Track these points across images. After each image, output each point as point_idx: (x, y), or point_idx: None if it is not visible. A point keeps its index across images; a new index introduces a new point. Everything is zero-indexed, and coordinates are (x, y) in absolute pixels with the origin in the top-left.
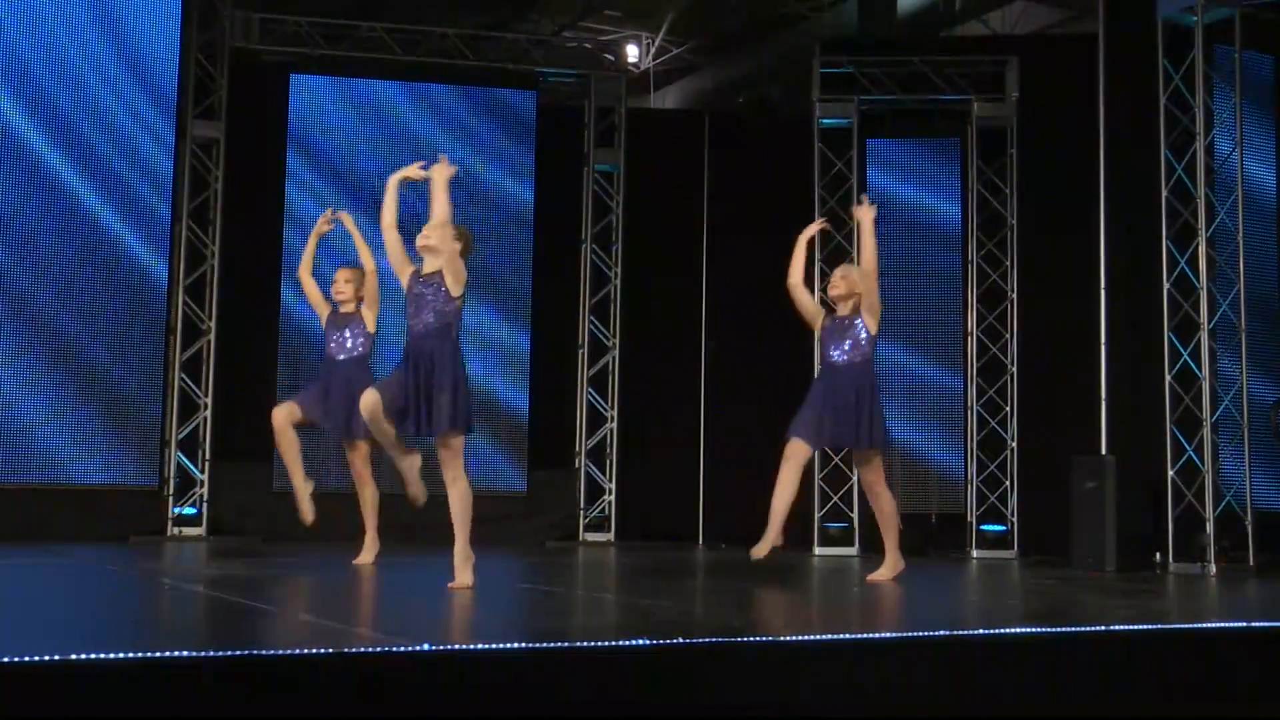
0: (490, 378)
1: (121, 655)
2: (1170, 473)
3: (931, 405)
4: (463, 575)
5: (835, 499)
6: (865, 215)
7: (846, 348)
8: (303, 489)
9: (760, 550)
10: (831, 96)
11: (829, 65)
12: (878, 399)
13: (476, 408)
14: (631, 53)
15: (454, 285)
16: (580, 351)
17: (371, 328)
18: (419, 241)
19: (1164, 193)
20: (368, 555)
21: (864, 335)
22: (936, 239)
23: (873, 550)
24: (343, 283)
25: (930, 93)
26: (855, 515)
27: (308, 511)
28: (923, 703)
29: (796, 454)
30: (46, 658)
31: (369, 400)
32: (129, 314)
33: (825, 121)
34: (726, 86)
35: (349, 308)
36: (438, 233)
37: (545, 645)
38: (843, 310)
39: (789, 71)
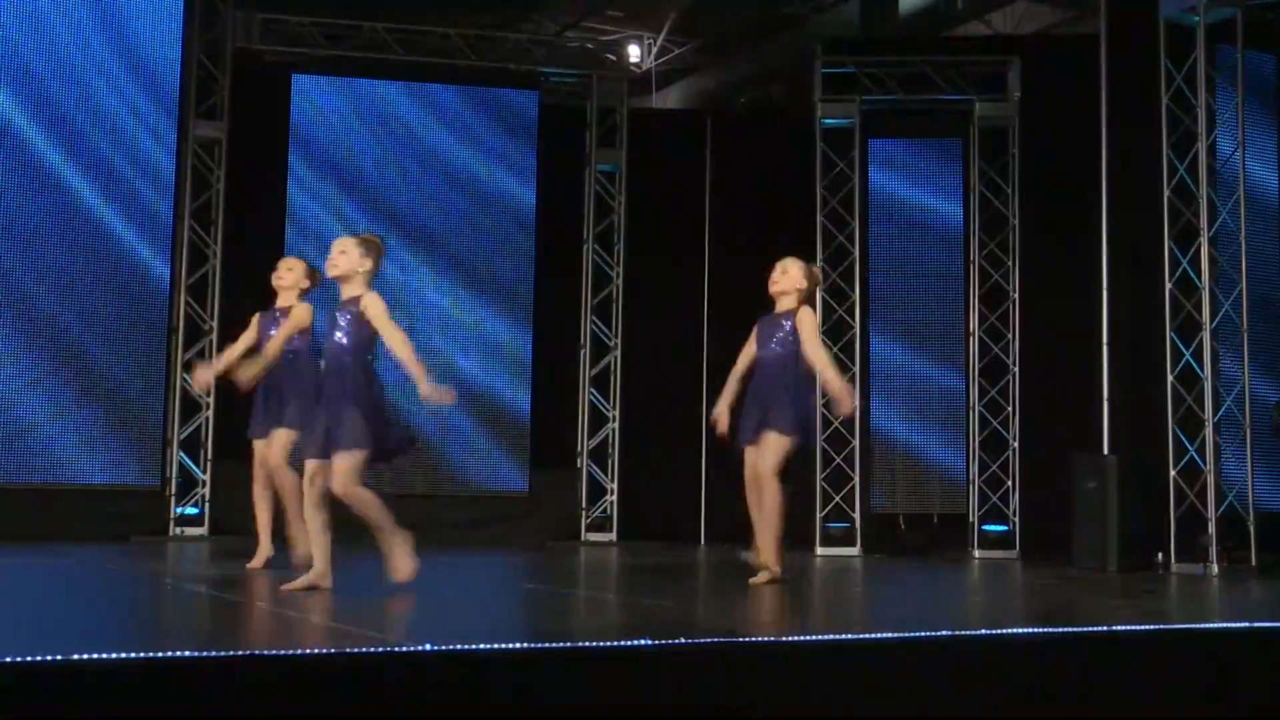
0: (492, 377)
1: (123, 655)
2: (1172, 473)
3: (933, 405)
4: (403, 563)
5: (837, 499)
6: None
7: (772, 344)
8: (264, 552)
9: (758, 581)
10: (833, 97)
11: (831, 65)
12: (801, 390)
13: (477, 409)
14: (633, 53)
15: (369, 306)
16: (582, 351)
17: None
18: (328, 271)
19: (1166, 193)
20: (260, 559)
21: (792, 335)
22: (938, 239)
23: (876, 550)
24: (284, 270)
25: (932, 93)
26: (857, 515)
27: (257, 564)
28: (924, 703)
29: (752, 465)
30: (48, 658)
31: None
32: (131, 314)
33: (827, 121)
34: (728, 87)
35: (287, 299)
36: (344, 258)
37: (547, 645)
38: (780, 306)
39: (791, 72)
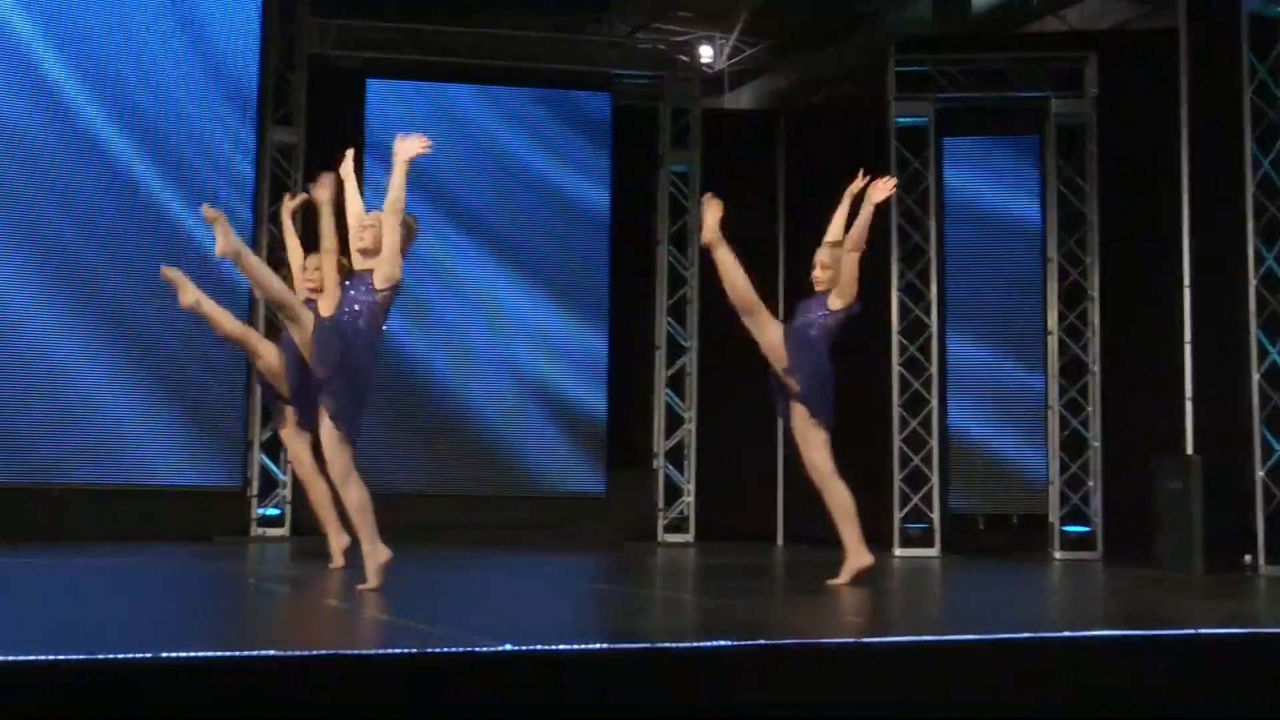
0: (567, 379)
1: (207, 654)
2: (1259, 473)
3: (1012, 405)
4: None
5: (915, 500)
6: (879, 192)
7: (802, 320)
8: (339, 545)
9: (839, 581)
10: (907, 95)
11: (904, 63)
12: (823, 365)
13: (553, 410)
14: (705, 53)
15: (380, 279)
16: (657, 352)
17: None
18: (354, 244)
19: (1250, 188)
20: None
21: (824, 310)
22: (1015, 237)
23: (955, 551)
24: (312, 270)
25: (1007, 90)
26: (935, 516)
27: (338, 563)
28: (1003, 705)
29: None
30: (134, 655)
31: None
32: None
33: (901, 120)
34: (801, 86)
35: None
36: (371, 231)
37: (624, 646)
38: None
39: (864, 70)
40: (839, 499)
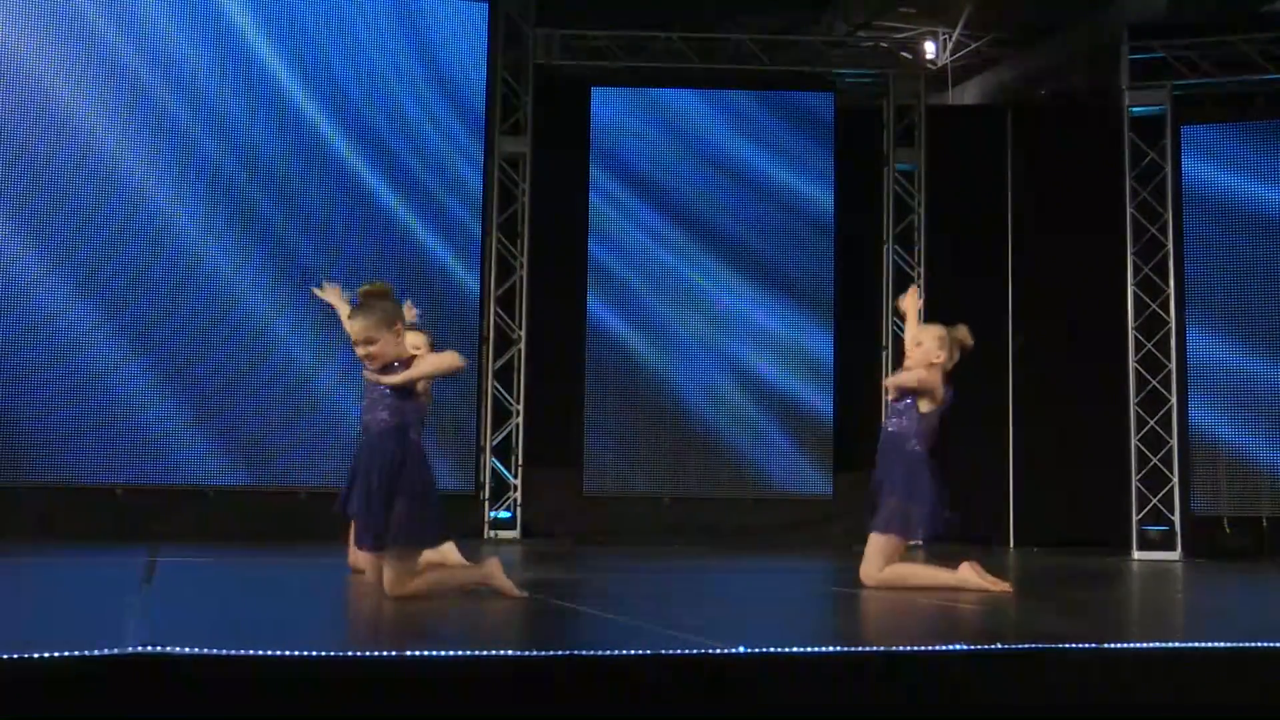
0: (793, 380)
1: (446, 654)
2: None
3: (1260, 401)
4: (507, 584)
5: (1155, 500)
6: (910, 306)
7: (892, 419)
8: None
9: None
10: (1142, 83)
11: (1138, 50)
12: (914, 475)
13: (779, 412)
14: (929, 49)
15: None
16: (884, 353)
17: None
18: (368, 365)
19: None
20: None
21: (911, 409)
22: (1262, 228)
23: (1198, 554)
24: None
25: (1252, 73)
26: (1176, 518)
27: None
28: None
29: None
30: (381, 654)
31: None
32: (444, 324)
33: (1136, 110)
34: (1028, 78)
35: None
36: (369, 337)
37: (855, 650)
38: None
39: (1093, 60)
40: (906, 585)
